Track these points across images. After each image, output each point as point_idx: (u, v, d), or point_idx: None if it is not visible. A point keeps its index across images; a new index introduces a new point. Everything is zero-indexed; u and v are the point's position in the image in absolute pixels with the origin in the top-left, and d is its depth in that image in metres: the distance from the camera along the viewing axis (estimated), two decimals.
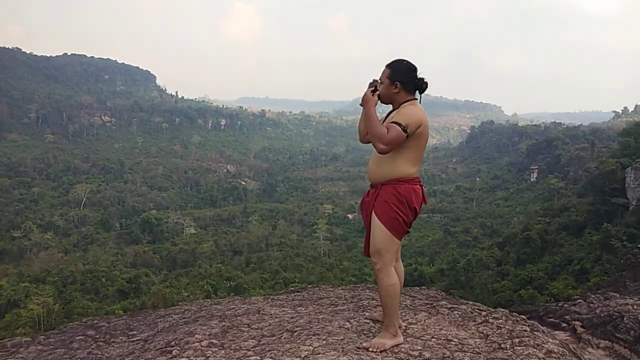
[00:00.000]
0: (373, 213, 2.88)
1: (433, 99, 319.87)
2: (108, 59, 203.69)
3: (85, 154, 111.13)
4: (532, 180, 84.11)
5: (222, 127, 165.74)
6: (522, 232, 47.60)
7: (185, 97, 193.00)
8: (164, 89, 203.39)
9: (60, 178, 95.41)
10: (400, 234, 2.87)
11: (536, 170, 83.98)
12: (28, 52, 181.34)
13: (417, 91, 2.93)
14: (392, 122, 2.73)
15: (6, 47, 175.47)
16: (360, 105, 2.90)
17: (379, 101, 2.90)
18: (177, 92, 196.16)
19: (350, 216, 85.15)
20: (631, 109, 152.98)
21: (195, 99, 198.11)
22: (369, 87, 2.91)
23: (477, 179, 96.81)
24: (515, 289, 35.03)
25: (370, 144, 2.83)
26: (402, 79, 2.86)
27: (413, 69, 2.89)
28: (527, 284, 35.65)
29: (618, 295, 3.64)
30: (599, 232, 38.11)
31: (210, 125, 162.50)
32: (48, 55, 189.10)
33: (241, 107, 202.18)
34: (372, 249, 2.88)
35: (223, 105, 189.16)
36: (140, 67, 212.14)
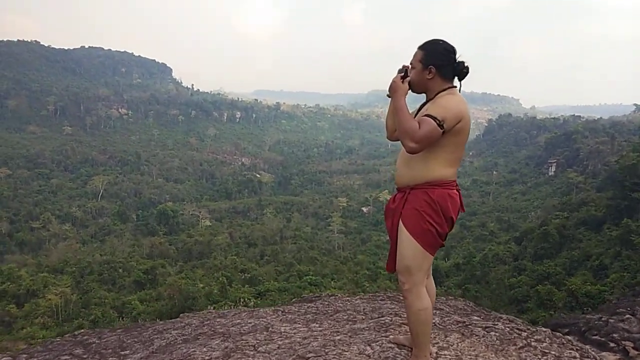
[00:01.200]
0: (400, 222, 2.45)
1: None
2: (125, 51, 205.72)
3: (102, 146, 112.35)
4: (550, 174, 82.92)
5: (237, 119, 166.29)
6: (539, 226, 47.00)
7: (200, 90, 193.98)
8: (180, 81, 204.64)
9: (78, 170, 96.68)
10: (433, 248, 2.46)
11: (554, 164, 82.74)
12: (46, 45, 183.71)
13: (457, 77, 2.48)
14: (426, 115, 2.28)
15: (25, 40, 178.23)
16: (388, 96, 2.47)
17: (409, 90, 2.47)
18: (192, 85, 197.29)
19: (364, 209, 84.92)
20: None
21: (211, 91, 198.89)
22: (397, 73, 2.48)
23: (494, 172, 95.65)
24: (532, 284, 34.57)
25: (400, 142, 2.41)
26: (438, 63, 2.41)
27: (451, 50, 2.44)
28: (545, 279, 35.15)
29: None
30: (619, 227, 37.43)
31: (225, 117, 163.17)
32: (66, 48, 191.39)
33: (256, 99, 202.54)
34: (399, 265, 2.46)
35: (238, 98, 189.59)
36: (156, 60, 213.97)
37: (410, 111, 2.45)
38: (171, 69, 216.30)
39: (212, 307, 30.54)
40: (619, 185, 45.26)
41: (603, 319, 3.73)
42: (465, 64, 2.44)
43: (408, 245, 2.42)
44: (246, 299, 32.04)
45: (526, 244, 46.24)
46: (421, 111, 2.45)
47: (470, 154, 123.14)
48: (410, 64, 2.49)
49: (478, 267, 44.73)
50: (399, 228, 2.46)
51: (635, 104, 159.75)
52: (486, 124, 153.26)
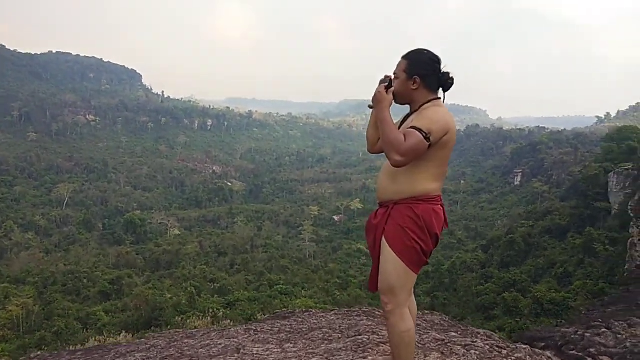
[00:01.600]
0: (384, 239, 2.34)
1: None
2: (93, 57, 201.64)
3: (68, 153, 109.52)
4: (516, 183, 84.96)
5: (209, 127, 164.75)
6: (506, 235, 48.08)
7: (171, 97, 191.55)
8: (150, 88, 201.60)
9: (42, 177, 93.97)
10: (417, 267, 2.37)
11: (520, 174, 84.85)
12: (12, 49, 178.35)
13: (441, 89, 2.41)
14: (411, 127, 2.20)
15: None
16: (370, 107, 2.39)
17: (393, 101, 2.38)
18: (163, 91, 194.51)
19: (336, 218, 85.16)
20: (613, 114, 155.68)
21: (182, 98, 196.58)
22: (380, 84, 2.39)
23: (462, 182, 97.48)
24: (499, 291, 35.30)
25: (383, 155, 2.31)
26: (423, 73, 2.34)
27: (436, 60, 2.37)
28: (511, 286, 35.93)
29: None
30: (582, 235, 38.61)
31: (196, 125, 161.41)
32: (33, 53, 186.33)
33: (228, 107, 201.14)
34: (382, 285, 2.34)
35: (210, 106, 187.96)
36: (126, 66, 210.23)
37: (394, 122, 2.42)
38: (141, 76, 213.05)
39: (179, 318, 30.09)
40: (582, 195, 46.77)
41: (579, 332, 3.66)
42: (450, 75, 2.38)
43: (391, 263, 2.31)
44: (215, 309, 31.65)
45: (493, 252, 47.21)
46: (406, 123, 2.39)
47: None
48: (394, 73, 2.41)
49: (446, 275, 45.38)
50: (382, 245, 2.36)
51: (597, 116, 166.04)
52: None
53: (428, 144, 2.17)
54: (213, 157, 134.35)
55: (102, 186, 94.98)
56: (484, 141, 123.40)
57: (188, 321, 29.83)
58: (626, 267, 17.34)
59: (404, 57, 2.40)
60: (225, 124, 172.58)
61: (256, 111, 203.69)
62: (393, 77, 2.40)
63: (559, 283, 35.25)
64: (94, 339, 24.92)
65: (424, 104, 2.35)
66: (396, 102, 2.41)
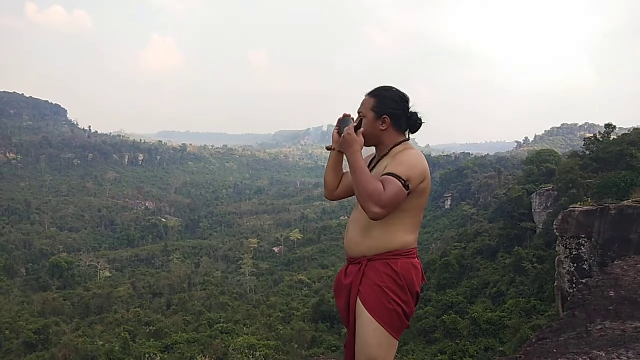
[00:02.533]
0: (359, 302, 2.06)
1: None
2: (14, 92, 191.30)
3: None
4: (446, 207, 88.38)
5: (140, 162, 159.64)
6: (440, 258, 49.50)
7: (99, 132, 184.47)
8: (75, 123, 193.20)
9: None
10: (399, 332, 2.09)
11: (450, 198, 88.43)
12: None
13: (409, 130, 2.23)
14: (389, 175, 1.98)
15: None
16: (328, 149, 2.23)
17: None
18: (90, 126, 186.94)
19: (276, 249, 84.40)
20: (531, 139, 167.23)
21: (111, 133, 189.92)
22: (339, 123, 2.17)
23: None
24: (438, 314, 36.16)
25: (337, 201, 2.26)
26: (393, 112, 2.13)
27: (406, 99, 2.19)
28: (449, 309, 36.96)
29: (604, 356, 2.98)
30: (511, 255, 40.43)
31: (126, 160, 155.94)
32: None
33: (160, 141, 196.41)
34: (361, 357, 2.04)
35: (141, 140, 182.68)
36: (49, 101, 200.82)
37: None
38: (66, 110, 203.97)
39: None
40: (508, 216, 49.29)
41: None
42: (419, 115, 2.20)
43: (371, 330, 2.00)
44: (152, 355, 30.16)
45: (430, 275, 48.32)
46: (376, 168, 2.15)
47: None
48: (359, 112, 2.19)
49: None
50: (358, 309, 2.06)
51: (516, 141, 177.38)
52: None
53: (407, 192, 1.98)
54: (145, 193, 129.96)
55: (25, 228, 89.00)
56: None
57: None
58: (555, 284, 18.42)
59: (371, 95, 2.19)
60: (158, 158, 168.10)
61: (190, 144, 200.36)
62: (360, 115, 2.19)
63: (493, 302, 36.67)
64: None
65: (394, 147, 2.16)
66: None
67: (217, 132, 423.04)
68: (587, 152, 43.01)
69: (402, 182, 1.95)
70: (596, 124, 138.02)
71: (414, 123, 2.19)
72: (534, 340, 3.58)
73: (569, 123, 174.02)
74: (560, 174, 41.36)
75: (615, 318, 3.14)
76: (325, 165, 2.36)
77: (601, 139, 42.30)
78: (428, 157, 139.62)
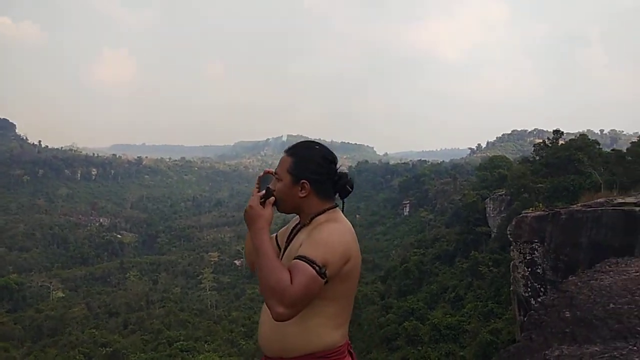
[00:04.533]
0: None
1: None
2: None
3: None
4: (405, 214, 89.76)
5: (93, 177, 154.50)
6: (401, 264, 50.08)
7: (50, 147, 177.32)
8: (24, 138, 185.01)
9: None
10: None
11: (408, 205, 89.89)
12: None
13: (338, 194, 1.86)
14: (299, 258, 1.60)
15: None
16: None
17: (276, 209, 1.79)
18: (40, 141, 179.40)
19: (237, 262, 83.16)
20: (484, 145, 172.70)
21: (62, 147, 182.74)
22: (261, 183, 1.86)
23: (357, 216, 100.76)
24: (399, 321, 36.41)
25: None
26: (313, 177, 1.78)
27: (330, 159, 1.84)
28: (410, 314, 37.31)
29: None
30: (468, 259, 41.28)
31: (79, 175, 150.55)
32: None
33: (114, 154, 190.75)
34: None
35: (94, 154, 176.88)
36: None
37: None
38: (14, 125, 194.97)
39: None
40: (464, 221, 50.49)
41: None
42: (349, 177, 1.87)
43: None
44: None
45: (391, 282, 48.86)
46: (292, 244, 1.82)
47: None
48: (275, 173, 1.84)
49: None
50: None
51: (469, 148, 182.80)
52: (347, 171, 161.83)
53: (324, 280, 1.59)
54: (99, 209, 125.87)
55: None
56: (374, 176, 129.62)
57: None
58: (511, 288, 18.89)
59: (288, 154, 1.84)
60: (112, 172, 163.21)
61: (146, 157, 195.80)
62: (275, 176, 1.83)
63: (452, 307, 37.32)
64: None
65: (316, 216, 1.79)
66: (279, 211, 1.83)
67: (174, 144, 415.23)
68: (537, 158, 44.70)
69: (317, 268, 1.56)
70: (545, 129, 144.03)
71: (342, 188, 1.83)
72: None
73: (519, 129, 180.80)
74: (512, 179, 42.73)
75: (571, 341, 3.19)
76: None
77: (550, 145, 44.08)
78: (386, 166, 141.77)
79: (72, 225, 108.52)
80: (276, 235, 2.01)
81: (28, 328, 51.39)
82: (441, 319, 33.82)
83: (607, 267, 4.46)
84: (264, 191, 1.78)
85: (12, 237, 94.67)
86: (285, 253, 1.83)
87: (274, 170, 1.87)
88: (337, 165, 1.86)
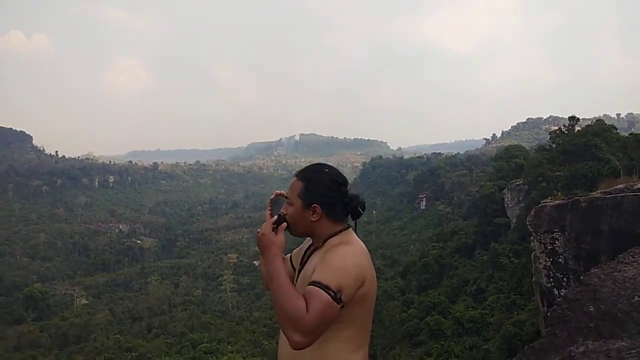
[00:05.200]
0: None
1: (325, 139, 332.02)
2: None
3: None
4: (422, 208, 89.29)
5: (111, 184, 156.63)
6: (420, 259, 49.84)
7: (67, 156, 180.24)
8: (41, 149, 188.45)
9: None
10: None
11: (425, 199, 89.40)
12: None
13: (350, 216, 1.85)
14: (314, 284, 1.59)
15: None
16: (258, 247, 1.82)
17: (286, 237, 1.79)
18: (57, 151, 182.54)
19: (256, 263, 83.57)
20: (499, 135, 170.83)
21: (79, 157, 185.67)
22: (273, 206, 1.88)
23: (374, 211, 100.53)
24: (421, 316, 36.32)
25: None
26: (324, 200, 1.79)
27: (341, 182, 1.83)
28: (432, 309, 37.15)
29: None
30: (488, 251, 40.99)
31: (96, 183, 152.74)
32: None
33: (131, 161, 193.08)
34: None
35: (110, 162, 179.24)
36: (13, 128, 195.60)
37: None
38: (31, 137, 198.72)
39: None
40: (482, 213, 50.07)
41: None
42: (361, 199, 1.85)
43: None
44: None
45: (410, 277, 48.69)
46: (307, 265, 1.81)
47: None
48: (286, 197, 1.86)
49: None
50: None
51: (484, 139, 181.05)
52: (361, 167, 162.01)
53: (340, 305, 1.59)
54: (118, 215, 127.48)
55: None
56: (388, 171, 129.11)
57: None
58: (533, 279, 18.67)
59: (299, 178, 1.85)
60: (129, 178, 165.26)
61: (162, 162, 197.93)
62: (286, 200, 1.85)
63: (474, 300, 37.04)
64: None
65: (329, 238, 1.79)
66: (292, 234, 1.85)
67: (188, 148, 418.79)
68: (554, 145, 44.14)
69: (332, 294, 1.55)
70: (560, 116, 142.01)
71: (354, 210, 1.81)
72: None
73: (534, 117, 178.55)
74: (529, 168, 42.26)
75: (597, 336, 3.14)
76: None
77: (566, 132, 43.48)
78: (400, 160, 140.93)
79: (92, 233, 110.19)
80: (290, 256, 2.01)
81: (54, 336, 52.29)
82: (463, 312, 33.62)
83: (630, 257, 4.39)
84: (275, 217, 1.80)
85: (34, 247, 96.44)
86: (300, 275, 1.83)
87: (285, 193, 1.90)
88: (348, 188, 1.85)
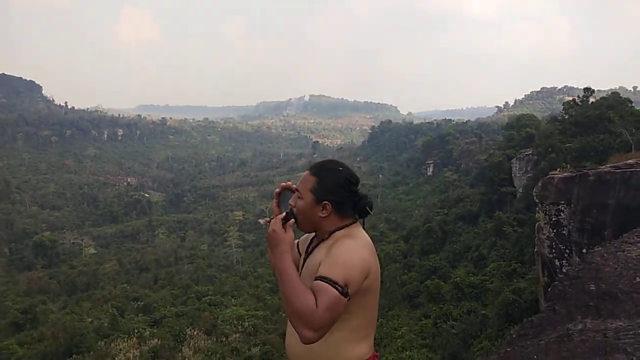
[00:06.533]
0: None
1: (335, 101, 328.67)
2: None
3: None
4: (429, 174, 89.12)
5: (120, 137, 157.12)
6: (423, 224, 50.20)
7: (76, 108, 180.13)
8: (51, 99, 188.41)
9: None
10: None
11: (432, 165, 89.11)
12: None
13: (358, 215, 1.88)
14: (321, 279, 1.64)
15: None
16: (268, 222, 1.85)
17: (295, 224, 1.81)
18: (66, 102, 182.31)
19: (261, 221, 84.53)
20: (511, 103, 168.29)
21: (88, 109, 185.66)
22: (280, 199, 1.91)
23: (380, 176, 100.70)
24: (421, 279, 36.94)
25: None
26: (335, 198, 1.81)
27: (353, 181, 1.85)
28: (432, 273, 37.76)
29: None
30: (492, 219, 41.16)
31: (105, 136, 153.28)
32: None
33: (139, 115, 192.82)
34: None
35: (119, 115, 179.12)
36: (23, 78, 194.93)
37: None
38: (41, 87, 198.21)
39: (102, 342, 28.58)
40: (489, 181, 49.96)
41: None
42: (369, 199, 1.87)
43: None
44: (141, 329, 30.42)
45: (413, 242, 49.15)
46: (312, 256, 1.86)
47: (358, 159, 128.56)
48: (296, 190, 1.88)
49: None
50: None
51: (496, 106, 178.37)
52: (370, 131, 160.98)
53: (347, 298, 1.65)
54: (126, 169, 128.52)
55: (6, 208, 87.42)
56: (397, 135, 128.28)
57: (112, 345, 28.53)
58: (535, 249, 18.83)
59: (312, 172, 1.86)
60: (138, 132, 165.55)
61: (170, 118, 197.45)
62: (297, 194, 1.87)
63: (475, 266, 37.51)
64: None
65: (335, 231, 1.83)
66: (299, 229, 1.87)
67: (196, 105, 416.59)
68: (566, 116, 43.48)
69: (339, 288, 1.61)
70: (575, 87, 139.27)
71: (362, 209, 1.85)
72: (514, 336, 3.55)
73: (548, 87, 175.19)
74: (540, 139, 41.84)
75: (595, 315, 3.19)
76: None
77: (580, 103, 42.75)
78: (409, 125, 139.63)
79: (100, 185, 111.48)
80: (297, 243, 2.03)
81: (63, 283, 53.65)
82: (464, 277, 34.12)
83: (634, 237, 4.40)
84: (284, 214, 1.81)
85: (43, 196, 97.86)
86: (305, 265, 1.87)
87: (292, 185, 1.92)
88: (358, 186, 1.87)
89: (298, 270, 1.79)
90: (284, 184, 1.95)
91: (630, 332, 2.77)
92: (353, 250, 1.72)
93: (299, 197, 1.84)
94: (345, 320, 1.70)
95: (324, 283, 1.62)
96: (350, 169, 1.88)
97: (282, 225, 1.77)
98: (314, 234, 1.95)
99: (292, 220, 1.79)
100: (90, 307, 42.02)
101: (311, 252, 1.89)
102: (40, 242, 67.61)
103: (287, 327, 1.88)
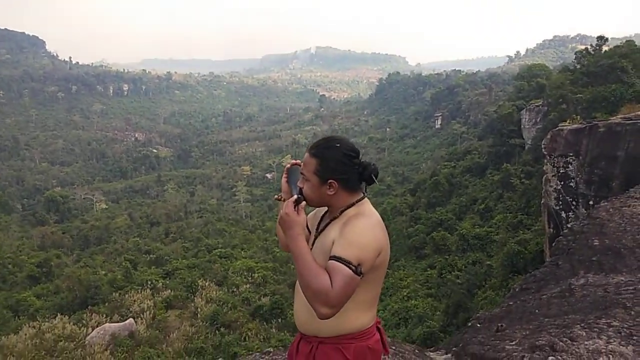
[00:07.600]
0: None
1: (342, 53, 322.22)
2: None
3: None
4: (437, 127, 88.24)
5: (125, 92, 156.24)
6: (430, 177, 50.15)
7: (80, 63, 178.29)
8: (55, 55, 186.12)
9: None
10: None
11: (440, 117, 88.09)
12: None
13: (364, 182, 1.90)
14: (336, 259, 1.71)
15: None
16: (281, 199, 1.95)
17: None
18: (70, 57, 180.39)
19: (269, 176, 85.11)
20: (523, 52, 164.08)
21: (92, 64, 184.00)
22: (289, 175, 1.96)
23: (387, 129, 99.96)
24: (427, 232, 37.26)
25: None
26: (339, 175, 1.84)
27: (353, 154, 1.85)
28: (438, 225, 38.04)
29: (584, 336, 2.81)
30: (500, 172, 40.94)
31: (111, 91, 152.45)
32: None
33: (144, 70, 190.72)
34: None
35: (124, 70, 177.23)
36: (26, 33, 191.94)
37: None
38: (44, 42, 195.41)
39: (117, 294, 29.46)
40: (497, 133, 49.45)
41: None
42: (373, 165, 1.87)
43: None
44: (154, 281, 31.24)
45: (420, 195, 49.27)
46: (325, 233, 1.90)
47: (365, 112, 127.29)
48: (302, 173, 1.90)
49: None
50: None
51: (507, 56, 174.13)
52: (377, 83, 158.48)
53: (360, 277, 1.72)
54: (134, 124, 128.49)
55: (16, 164, 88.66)
56: (405, 88, 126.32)
57: (126, 296, 29.39)
58: (542, 201, 18.83)
59: (311, 154, 1.88)
60: (143, 87, 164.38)
61: (175, 72, 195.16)
62: (301, 173, 1.91)
63: (481, 218, 37.70)
64: (27, 325, 23.84)
65: (346, 209, 1.88)
66: (309, 205, 1.92)
67: (201, 58, 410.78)
68: (578, 66, 42.35)
69: (353, 268, 1.69)
70: (588, 35, 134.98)
71: (368, 177, 1.86)
72: (517, 290, 3.58)
73: (561, 35, 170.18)
74: (551, 89, 40.97)
75: (598, 270, 3.19)
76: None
77: (592, 52, 41.53)
78: (418, 77, 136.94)
79: (109, 140, 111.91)
80: (306, 220, 2.01)
81: (76, 237, 54.80)
82: (469, 229, 34.39)
83: None
84: (295, 196, 1.84)
85: (52, 153, 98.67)
86: (317, 244, 1.92)
87: (300, 162, 1.94)
88: (360, 157, 1.88)
89: (309, 246, 1.86)
90: (292, 161, 2.00)
91: (631, 287, 2.78)
92: (366, 229, 1.78)
93: (305, 180, 1.88)
94: (356, 295, 1.77)
95: (339, 263, 1.69)
96: (349, 142, 1.89)
97: (294, 208, 1.82)
98: (323, 210, 2.01)
99: (304, 202, 1.84)
100: (104, 260, 42.99)
101: (322, 229, 1.94)
102: (52, 198, 68.66)
103: (296, 294, 1.97)
